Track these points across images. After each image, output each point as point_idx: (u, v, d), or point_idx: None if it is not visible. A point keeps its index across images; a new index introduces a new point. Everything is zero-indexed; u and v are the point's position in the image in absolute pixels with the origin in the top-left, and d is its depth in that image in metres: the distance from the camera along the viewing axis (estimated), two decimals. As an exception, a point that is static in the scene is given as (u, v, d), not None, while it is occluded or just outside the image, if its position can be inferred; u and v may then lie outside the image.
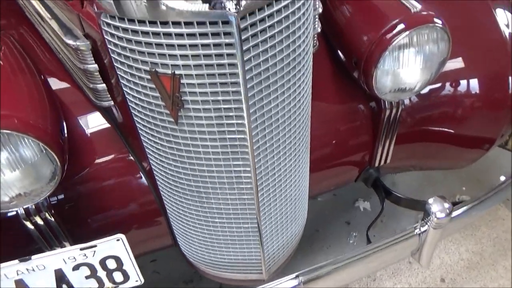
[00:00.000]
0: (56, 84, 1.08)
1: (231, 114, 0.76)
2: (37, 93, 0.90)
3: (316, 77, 0.99)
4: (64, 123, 0.95)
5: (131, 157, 1.07)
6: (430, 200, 1.10)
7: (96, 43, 0.81)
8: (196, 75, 0.71)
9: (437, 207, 1.09)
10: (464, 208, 1.20)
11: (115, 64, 0.76)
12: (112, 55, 0.75)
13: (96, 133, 1.07)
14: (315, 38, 1.05)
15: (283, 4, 0.70)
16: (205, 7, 0.62)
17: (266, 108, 0.79)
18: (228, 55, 0.68)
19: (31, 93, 0.88)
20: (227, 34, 0.66)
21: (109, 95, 0.90)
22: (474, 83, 1.29)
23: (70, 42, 0.81)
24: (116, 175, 1.09)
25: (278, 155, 0.90)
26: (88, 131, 1.06)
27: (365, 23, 1.06)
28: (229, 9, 0.62)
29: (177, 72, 0.70)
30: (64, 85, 1.09)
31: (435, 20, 0.99)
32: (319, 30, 1.07)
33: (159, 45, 0.68)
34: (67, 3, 0.86)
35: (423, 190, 1.90)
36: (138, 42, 0.69)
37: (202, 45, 0.67)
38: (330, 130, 1.28)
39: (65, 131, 0.92)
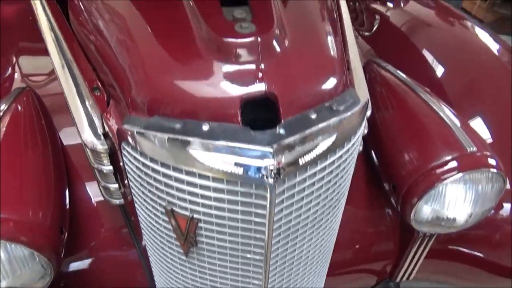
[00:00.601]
0: (69, 146, 1.00)
1: (249, 261, 0.67)
2: (42, 179, 0.81)
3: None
4: (67, 210, 0.87)
5: (131, 241, 0.98)
6: None
7: (115, 146, 0.73)
8: (216, 223, 0.62)
9: None
10: None
11: (130, 183, 0.68)
12: (128, 174, 0.67)
13: (99, 211, 0.98)
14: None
15: (329, 161, 0.60)
16: (239, 170, 0.53)
17: (289, 256, 0.70)
18: (257, 214, 0.59)
19: (36, 179, 0.80)
20: (259, 195, 0.57)
21: (120, 195, 0.82)
22: (519, 210, 1.17)
23: (88, 142, 0.73)
24: (112, 258, 1.00)
25: (294, 291, 0.81)
26: (91, 208, 0.97)
27: (413, 147, 0.95)
28: (266, 176, 0.53)
29: (195, 216, 0.62)
30: (78, 150, 1.02)
31: (490, 162, 0.88)
32: (365, 132, 0.96)
33: (180, 189, 0.59)
34: (93, 95, 0.79)
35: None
36: (158, 180, 0.60)
37: (229, 200, 0.58)
38: (354, 235, 1.17)
39: (67, 223, 0.84)
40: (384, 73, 1.16)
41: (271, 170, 0.52)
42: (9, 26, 1.36)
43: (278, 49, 0.59)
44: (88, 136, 0.74)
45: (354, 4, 1.74)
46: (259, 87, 0.57)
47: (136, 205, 0.72)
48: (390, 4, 1.69)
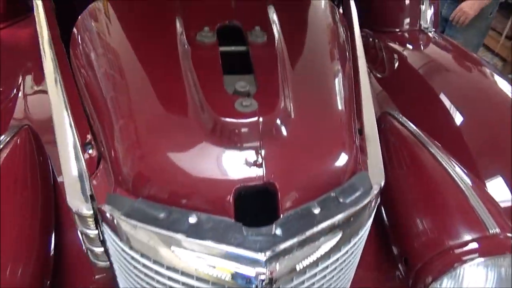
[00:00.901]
0: (63, 185, 0.95)
1: None
2: (26, 230, 0.75)
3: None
4: (52, 258, 0.81)
5: None
6: None
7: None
8: (201, 319, 0.55)
9: None
10: None
11: (111, 259, 0.62)
12: (110, 251, 0.61)
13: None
14: None
15: (331, 260, 0.53)
16: (227, 276, 0.47)
17: None
18: (245, 318, 0.52)
19: (20, 232, 0.74)
20: (249, 300, 0.50)
21: (106, 258, 0.76)
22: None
23: (73, 205, 0.67)
24: None
25: None
26: (78, 253, 0.91)
27: (427, 215, 0.86)
28: (256, 286, 0.46)
29: (179, 309, 0.55)
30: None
31: (514, 245, 0.80)
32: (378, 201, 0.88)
33: (161, 283, 0.53)
34: (84, 153, 0.74)
35: None
36: (139, 269, 0.54)
37: (215, 300, 0.51)
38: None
39: (49, 277, 0.78)
40: (399, 126, 1.09)
41: (262, 280, 0.45)
42: (18, 49, 1.34)
43: (281, 131, 0.53)
44: (73, 200, 0.69)
45: (373, 41, 1.68)
46: (257, 175, 0.50)
47: (118, 279, 0.66)
48: (409, 46, 1.63)
